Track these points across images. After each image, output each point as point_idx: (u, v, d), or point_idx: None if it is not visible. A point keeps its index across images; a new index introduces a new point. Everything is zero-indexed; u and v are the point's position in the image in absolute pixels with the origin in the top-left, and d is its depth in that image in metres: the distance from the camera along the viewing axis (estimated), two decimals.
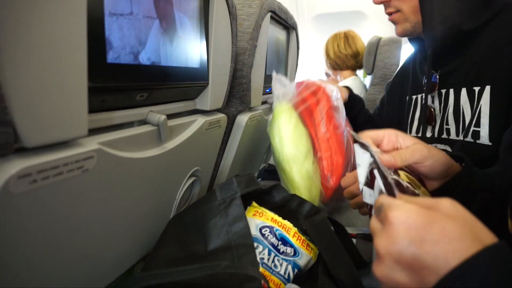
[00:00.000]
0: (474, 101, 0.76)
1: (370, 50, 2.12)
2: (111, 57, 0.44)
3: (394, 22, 0.90)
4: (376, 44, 2.10)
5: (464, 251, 0.29)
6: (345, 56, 2.12)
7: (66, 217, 0.41)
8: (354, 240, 0.80)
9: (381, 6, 0.93)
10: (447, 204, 0.33)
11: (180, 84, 0.60)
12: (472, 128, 0.75)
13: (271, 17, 0.93)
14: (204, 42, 0.66)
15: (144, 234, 0.62)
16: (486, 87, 0.73)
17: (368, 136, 0.55)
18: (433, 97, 0.87)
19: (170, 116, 0.60)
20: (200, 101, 0.69)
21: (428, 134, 0.89)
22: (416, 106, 0.97)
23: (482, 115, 0.73)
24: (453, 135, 0.81)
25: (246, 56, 0.81)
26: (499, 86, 0.70)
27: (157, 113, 0.55)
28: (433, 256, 0.30)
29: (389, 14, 0.90)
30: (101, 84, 0.43)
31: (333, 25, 2.79)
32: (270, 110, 1.10)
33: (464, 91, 0.78)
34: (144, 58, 0.50)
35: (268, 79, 1.00)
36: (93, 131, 0.44)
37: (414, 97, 0.99)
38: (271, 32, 1.00)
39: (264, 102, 1.06)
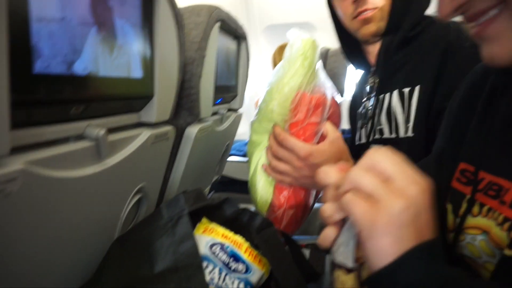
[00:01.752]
0: (404, 100, 0.84)
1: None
2: (39, 66, 0.39)
3: (368, 20, 0.86)
4: (325, 55, 2.16)
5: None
6: None
7: None
8: (306, 252, 0.80)
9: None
10: None
11: (121, 95, 0.56)
12: (406, 125, 0.83)
13: (220, 27, 0.91)
14: (149, 52, 0.62)
15: (84, 261, 0.57)
16: (416, 87, 0.82)
17: None
18: (373, 103, 0.93)
19: (112, 130, 0.56)
20: (145, 113, 0.66)
21: (365, 139, 0.95)
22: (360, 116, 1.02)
23: (411, 111, 0.81)
24: (386, 134, 0.88)
25: (194, 66, 0.79)
26: (426, 85, 0.80)
27: (96, 127, 0.50)
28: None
29: (363, 11, 0.86)
30: (26, 96, 0.38)
31: (284, 36, 2.85)
32: (221, 121, 1.07)
33: (395, 93, 0.86)
34: (80, 68, 0.46)
35: (218, 90, 0.98)
36: (19, 149, 0.40)
37: (358, 111, 1.05)
38: (221, 42, 0.98)
39: (214, 113, 1.04)
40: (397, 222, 0.34)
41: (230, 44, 1.10)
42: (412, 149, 0.80)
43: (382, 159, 0.37)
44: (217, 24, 0.87)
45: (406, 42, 0.86)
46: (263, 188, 0.85)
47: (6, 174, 0.35)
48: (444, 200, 0.55)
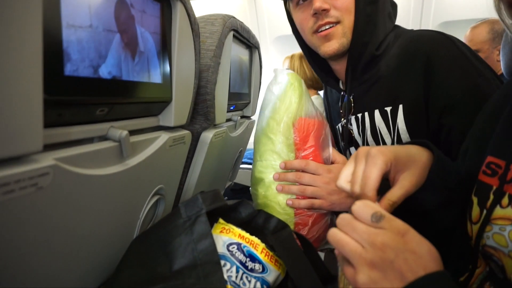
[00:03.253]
0: (388, 120, 0.81)
1: None
2: (69, 69, 0.42)
3: (329, 37, 0.80)
4: None
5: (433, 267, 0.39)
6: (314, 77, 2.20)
7: (17, 238, 0.38)
8: (321, 254, 0.80)
9: None
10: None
11: (142, 99, 0.59)
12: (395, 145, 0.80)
13: (234, 36, 0.94)
14: (167, 58, 0.65)
15: (105, 256, 0.59)
16: (399, 106, 0.78)
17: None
18: (351, 122, 0.91)
19: (133, 132, 0.59)
20: (164, 117, 0.68)
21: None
22: (340, 133, 1.02)
23: (401, 132, 0.78)
24: None
25: (209, 73, 0.81)
26: (409, 104, 0.76)
27: (118, 129, 0.53)
28: (417, 265, 0.39)
29: (324, 26, 0.80)
30: (58, 97, 0.41)
31: (293, 46, 2.89)
32: (234, 127, 1.10)
33: (377, 112, 0.83)
34: (105, 72, 0.49)
35: (232, 97, 1.01)
36: (49, 147, 0.42)
37: (337, 126, 1.04)
38: (234, 51, 1.01)
39: (228, 120, 1.06)
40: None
41: (243, 53, 1.13)
42: None
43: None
44: (231, 33, 0.89)
45: (374, 61, 0.83)
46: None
47: (39, 169, 0.37)
48: (470, 193, 0.55)
